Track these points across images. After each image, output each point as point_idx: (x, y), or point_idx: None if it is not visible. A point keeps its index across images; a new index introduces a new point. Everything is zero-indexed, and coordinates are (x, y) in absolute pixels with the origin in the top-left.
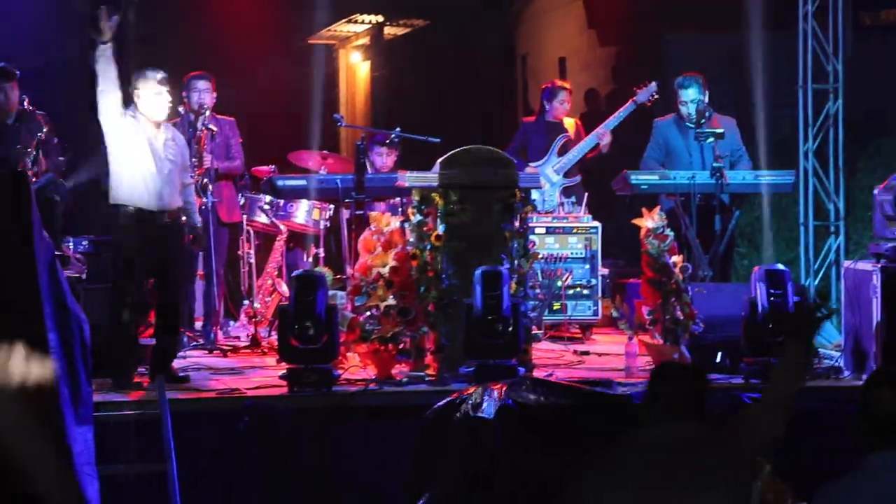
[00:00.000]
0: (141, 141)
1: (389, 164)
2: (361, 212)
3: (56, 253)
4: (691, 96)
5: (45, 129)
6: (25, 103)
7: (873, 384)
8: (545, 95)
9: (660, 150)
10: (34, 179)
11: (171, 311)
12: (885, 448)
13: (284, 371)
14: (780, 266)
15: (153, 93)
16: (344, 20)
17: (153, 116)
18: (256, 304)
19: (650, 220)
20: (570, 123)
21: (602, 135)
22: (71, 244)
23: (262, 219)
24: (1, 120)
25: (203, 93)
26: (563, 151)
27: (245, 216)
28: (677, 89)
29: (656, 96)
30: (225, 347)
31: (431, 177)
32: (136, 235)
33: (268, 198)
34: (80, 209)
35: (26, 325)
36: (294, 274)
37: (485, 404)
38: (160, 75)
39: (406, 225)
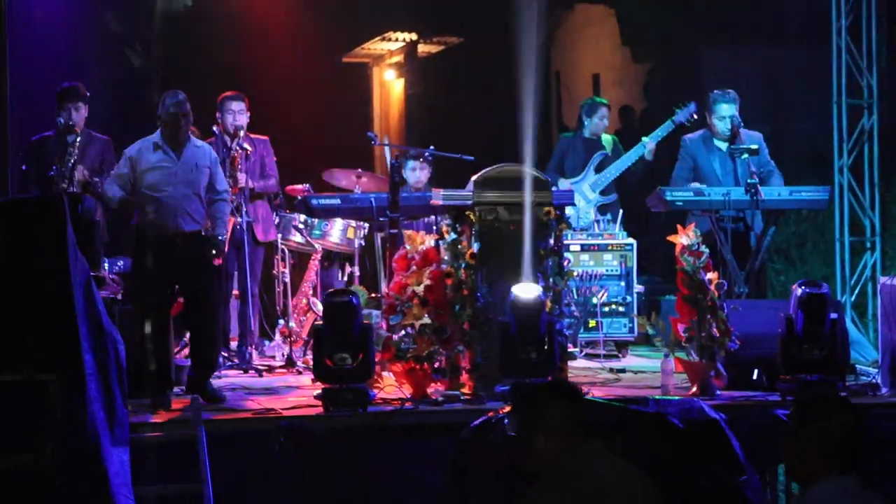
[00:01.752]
0: (154, 167)
1: (423, 179)
2: (396, 230)
3: (92, 273)
4: (727, 111)
5: (104, 153)
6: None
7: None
8: (584, 111)
9: (688, 168)
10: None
11: (205, 328)
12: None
13: (320, 391)
14: (821, 284)
15: (172, 118)
16: (378, 38)
17: (172, 141)
18: (291, 324)
19: (685, 237)
20: (608, 140)
21: (647, 145)
22: (106, 265)
23: (296, 238)
24: (62, 138)
25: (237, 114)
26: (600, 168)
27: (280, 235)
28: (712, 104)
29: (695, 117)
30: (260, 367)
31: (466, 195)
32: (152, 258)
33: (302, 217)
34: (116, 230)
35: (62, 347)
36: (329, 293)
37: None
38: (176, 102)
39: (441, 243)
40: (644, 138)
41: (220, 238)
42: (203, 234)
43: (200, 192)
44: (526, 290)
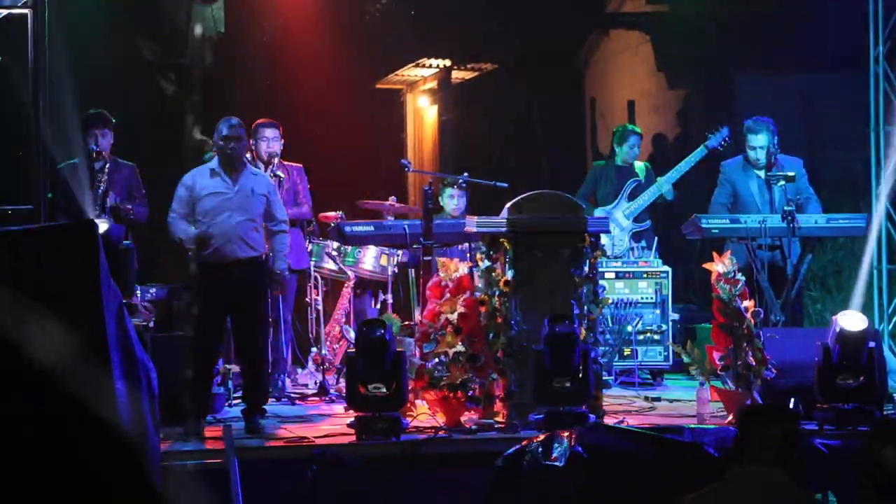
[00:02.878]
0: (210, 193)
1: (462, 206)
2: (429, 258)
3: (124, 301)
4: (760, 142)
5: (130, 180)
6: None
7: (877, 441)
8: (616, 139)
9: (727, 194)
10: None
11: (258, 361)
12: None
13: (353, 419)
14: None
15: (223, 146)
16: (412, 64)
17: (228, 167)
18: (324, 352)
19: (721, 265)
20: (640, 168)
21: (663, 184)
22: (139, 292)
23: (329, 265)
24: (88, 164)
25: (272, 141)
26: (633, 196)
27: (313, 263)
28: (746, 133)
29: (729, 142)
30: (293, 395)
31: (499, 222)
32: (203, 287)
33: (335, 244)
34: (148, 257)
35: (94, 375)
36: (362, 321)
37: (555, 452)
38: (230, 126)
39: (474, 270)
40: (659, 179)
41: (278, 272)
42: (259, 261)
43: (256, 220)
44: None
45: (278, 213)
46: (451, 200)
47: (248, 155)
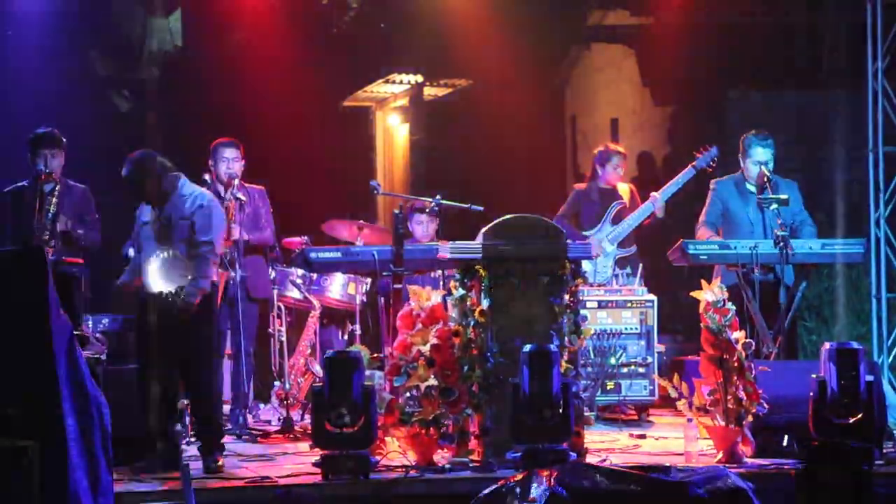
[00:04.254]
0: (142, 224)
1: (431, 232)
2: (400, 286)
3: (75, 332)
4: (762, 157)
5: (81, 203)
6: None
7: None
8: (598, 160)
9: (717, 213)
10: (51, 253)
11: (195, 397)
12: None
13: (318, 457)
14: (854, 344)
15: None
16: (381, 80)
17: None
18: (288, 386)
19: (710, 293)
20: (624, 190)
21: (655, 201)
22: (90, 322)
23: (293, 294)
24: (38, 187)
25: (231, 161)
26: (617, 219)
27: (276, 291)
28: (748, 147)
29: (716, 161)
30: (255, 432)
31: (475, 247)
32: (145, 319)
33: (300, 271)
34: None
35: (42, 411)
36: (328, 353)
37: (534, 492)
38: (126, 169)
39: (448, 299)
40: (654, 193)
41: (186, 300)
42: (166, 295)
43: (175, 250)
44: (539, 351)
45: (200, 235)
46: (420, 226)
47: (206, 176)
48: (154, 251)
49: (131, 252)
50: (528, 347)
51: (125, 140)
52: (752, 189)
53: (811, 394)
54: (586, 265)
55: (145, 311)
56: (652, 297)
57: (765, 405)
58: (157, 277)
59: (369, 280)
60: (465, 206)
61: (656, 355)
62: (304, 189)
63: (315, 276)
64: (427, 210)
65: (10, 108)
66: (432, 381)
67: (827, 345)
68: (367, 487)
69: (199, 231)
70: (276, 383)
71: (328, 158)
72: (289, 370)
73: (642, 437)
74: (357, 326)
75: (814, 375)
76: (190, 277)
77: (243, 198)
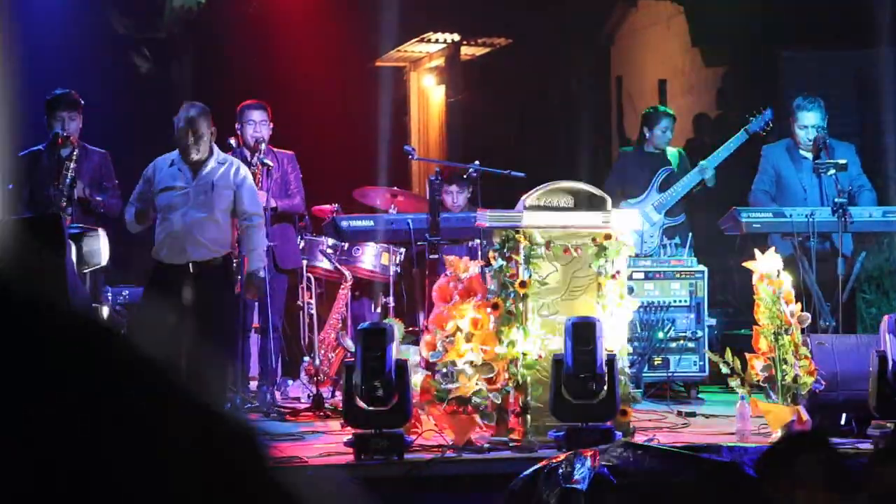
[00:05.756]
0: (167, 187)
1: (461, 202)
2: (436, 256)
3: (93, 305)
4: (812, 120)
5: (102, 168)
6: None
7: (879, 461)
8: (646, 122)
9: (770, 181)
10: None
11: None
12: None
13: (350, 436)
14: None
15: (181, 132)
16: (416, 39)
17: (185, 158)
18: (318, 361)
19: (764, 264)
20: (673, 154)
21: (706, 169)
22: (110, 294)
23: (324, 264)
24: (55, 152)
25: (259, 124)
26: (665, 186)
27: (305, 261)
28: (795, 111)
29: (771, 125)
30: (283, 410)
31: (515, 216)
32: (161, 291)
33: (330, 241)
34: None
35: None
36: (360, 326)
37: (577, 473)
38: (191, 114)
39: (486, 270)
40: (702, 162)
41: (257, 274)
42: (217, 265)
43: (218, 217)
44: (583, 324)
45: (247, 206)
46: (449, 196)
47: (232, 141)
48: (193, 217)
49: (130, 217)
50: (571, 319)
51: (146, 103)
52: (806, 154)
53: (871, 369)
54: (633, 235)
55: (168, 281)
56: (702, 267)
57: (822, 382)
58: (201, 246)
59: (403, 250)
60: (505, 172)
61: (706, 329)
62: (334, 154)
63: (346, 245)
64: (464, 177)
65: (26, 68)
66: (470, 357)
67: (887, 317)
68: (401, 468)
69: (249, 202)
70: (306, 359)
71: (360, 122)
72: (319, 345)
73: (692, 415)
74: (391, 298)
75: (874, 350)
76: (252, 250)
77: (271, 163)
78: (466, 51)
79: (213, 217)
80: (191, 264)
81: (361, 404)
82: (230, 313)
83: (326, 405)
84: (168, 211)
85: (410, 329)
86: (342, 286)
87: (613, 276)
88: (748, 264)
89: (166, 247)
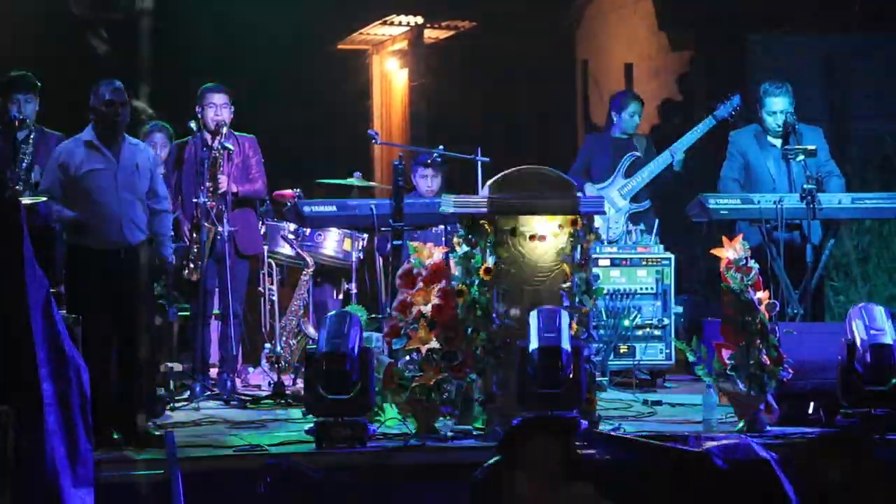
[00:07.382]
0: (91, 170)
1: (436, 187)
2: (400, 242)
3: (52, 290)
4: (779, 106)
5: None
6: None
7: (815, 451)
8: (613, 106)
9: (738, 167)
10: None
11: (127, 353)
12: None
13: (312, 425)
14: (878, 307)
15: (106, 112)
16: (378, 21)
17: (107, 139)
18: (280, 348)
19: (731, 251)
20: (640, 140)
21: (672, 153)
22: None
23: (285, 250)
24: (11, 135)
25: (220, 108)
26: (631, 172)
27: (266, 247)
28: (762, 96)
29: (739, 111)
30: (244, 397)
31: (480, 201)
32: (91, 276)
33: (292, 226)
34: None
35: (17, 373)
36: (323, 313)
37: None
38: (114, 89)
39: (451, 257)
40: (669, 147)
41: (167, 259)
42: (143, 248)
43: (143, 198)
44: (548, 312)
45: (161, 190)
46: (424, 180)
47: (193, 124)
48: (124, 198)
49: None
50: (537, 307)
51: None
52: (774, 140)
53: (839, 358)
54: (598, 220)
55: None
56: (669, 255)
57: (789, 370)
58: (134, 227)
59: (366, 236)
60: (469, 157)
61: (673, 317)
62: (296, 138)
63: (308, 231)
64: (429, 161)
65: None
66: (434, 344)
67: (855, 307)
68: (363, 457)
69: (160, 184)
70: (267, 346)
71: (322, 106)
72: (280, 332)
73: (658, 403)
74: (353, 285)
75: (843, 339)
76: (165, 235)
77: (231, 147)
78: (430, 34)
79: (139, 197)
80: (122, 249)
81: (324, 392)
82: (152, 299)
83: (288, 393)
84: (97, 193)
85: (373, 316)
86: (304, 272)
87: (579, 265)
88: (716, 251)
89: (96, 230)
